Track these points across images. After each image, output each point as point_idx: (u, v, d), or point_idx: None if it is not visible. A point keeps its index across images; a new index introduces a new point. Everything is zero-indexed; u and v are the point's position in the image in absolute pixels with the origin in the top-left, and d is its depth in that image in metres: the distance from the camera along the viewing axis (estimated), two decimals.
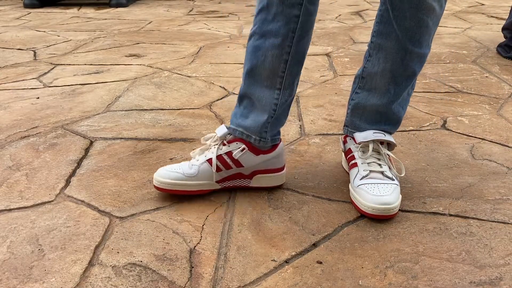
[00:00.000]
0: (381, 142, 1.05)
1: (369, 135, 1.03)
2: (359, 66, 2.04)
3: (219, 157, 1.02)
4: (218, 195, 1.04)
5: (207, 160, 1.02)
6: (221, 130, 1.03)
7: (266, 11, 0.92)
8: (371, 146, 1.02)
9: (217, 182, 1.03)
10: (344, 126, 1.11)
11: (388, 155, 1.04)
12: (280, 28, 0.92)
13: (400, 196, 0.98)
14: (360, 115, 1.06)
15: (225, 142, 1.03)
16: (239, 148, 1.02)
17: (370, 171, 1.00)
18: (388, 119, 1.05)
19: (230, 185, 1.05)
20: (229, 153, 1.02)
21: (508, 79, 1.82)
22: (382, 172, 1.00)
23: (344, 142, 1.11)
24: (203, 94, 1.69)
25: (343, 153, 1.14)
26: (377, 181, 0.98)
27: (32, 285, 0.78)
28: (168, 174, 1.01)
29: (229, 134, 1.03)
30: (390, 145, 1.06)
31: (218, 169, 1.02)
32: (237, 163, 1.02)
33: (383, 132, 1.04)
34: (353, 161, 1.05)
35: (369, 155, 1.02)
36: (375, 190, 0.95)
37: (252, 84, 0.99)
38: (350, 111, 1.08)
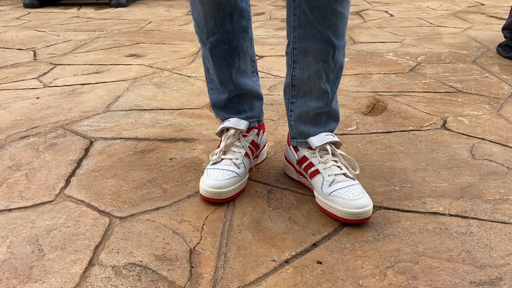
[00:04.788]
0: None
1: (323, 138, 1.00)
2: (359, 66, 2.04)
3: (249, 148, 1.09)
4: None
5: (244, 155, 1.07)
6: (241, 123, 1.07)
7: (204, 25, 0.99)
8: (329, 149, 1.00)
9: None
10: (291, 139, 1.07)
11: (342, 154, 1.02)
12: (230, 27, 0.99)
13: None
14: (305, 122, 1.02)
15: (243, 134, 1.09)
16: (255, 133, 1.12)
17: (335, 175, 0.97)
18: (330, 117, 1.03)
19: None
20: (252, 142, 1.11)
21: (508, 79, 1.82)
22: (344, 174, 0.98)
23: (296, 150, 1.06)
24: (203, 94, 1.69)
25: (288, 163, 1.10)
26: (344, 184, 0.95)
27: (32, 285, 0.78)
28: (227, 182, 1.00)
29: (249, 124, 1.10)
30: (336, 144, 1.03)
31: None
32: (258, 146, 1.14)
33: (331, 134, 1.02)
34: (312, 169, 1.01)
35: (329, 159, 0.99)
36: (349, 194, 0.93)
37: (240, 83, 1.06)
38: (294, 122, 1.04)
